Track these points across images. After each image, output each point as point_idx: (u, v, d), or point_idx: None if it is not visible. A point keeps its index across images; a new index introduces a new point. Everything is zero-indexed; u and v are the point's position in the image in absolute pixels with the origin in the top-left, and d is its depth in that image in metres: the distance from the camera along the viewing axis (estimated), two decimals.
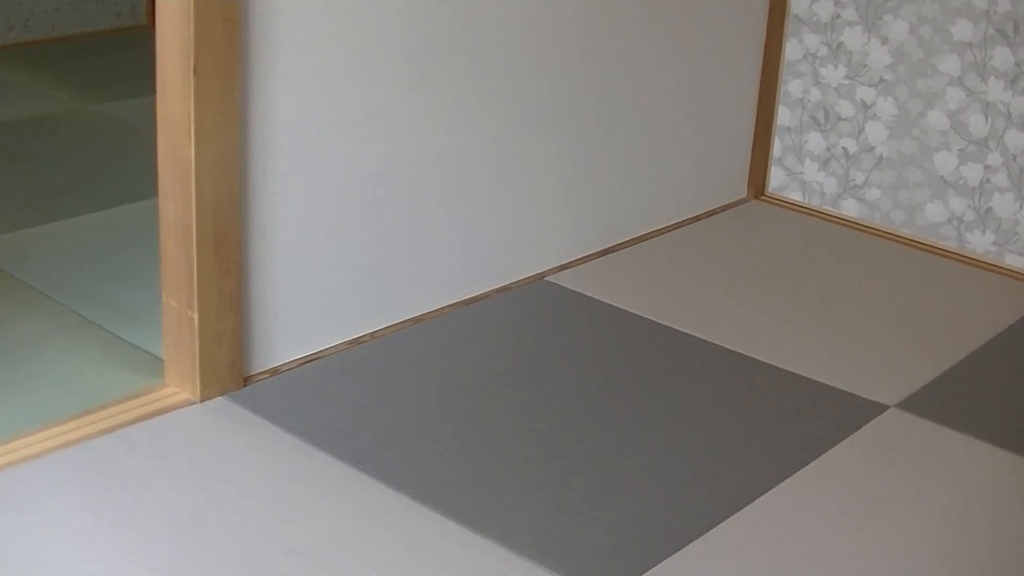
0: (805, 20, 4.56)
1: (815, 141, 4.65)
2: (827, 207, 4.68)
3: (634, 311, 3.84)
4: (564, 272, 4.05)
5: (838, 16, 4.48)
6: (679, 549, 2.77)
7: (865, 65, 4.47)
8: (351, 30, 3.29)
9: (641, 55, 4.13)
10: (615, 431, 3.21)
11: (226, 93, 3.02)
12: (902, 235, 4.50)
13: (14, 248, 4.07)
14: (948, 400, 3.47)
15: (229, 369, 3.22)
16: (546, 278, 4.01)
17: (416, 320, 3.67)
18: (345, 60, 3.30)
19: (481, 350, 3.56)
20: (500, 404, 3.30)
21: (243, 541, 2.69)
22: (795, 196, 4.75)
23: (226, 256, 3.13)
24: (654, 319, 3.81)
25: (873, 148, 4.51)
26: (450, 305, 3.76)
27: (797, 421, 3.32)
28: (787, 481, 3.05)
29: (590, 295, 3.92)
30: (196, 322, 3.13)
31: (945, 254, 4.41)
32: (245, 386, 3.28)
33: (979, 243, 4.36)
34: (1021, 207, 4.24)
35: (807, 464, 3.12)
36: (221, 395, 3.23)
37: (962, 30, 4.23)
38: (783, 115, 4.71)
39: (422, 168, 3.56)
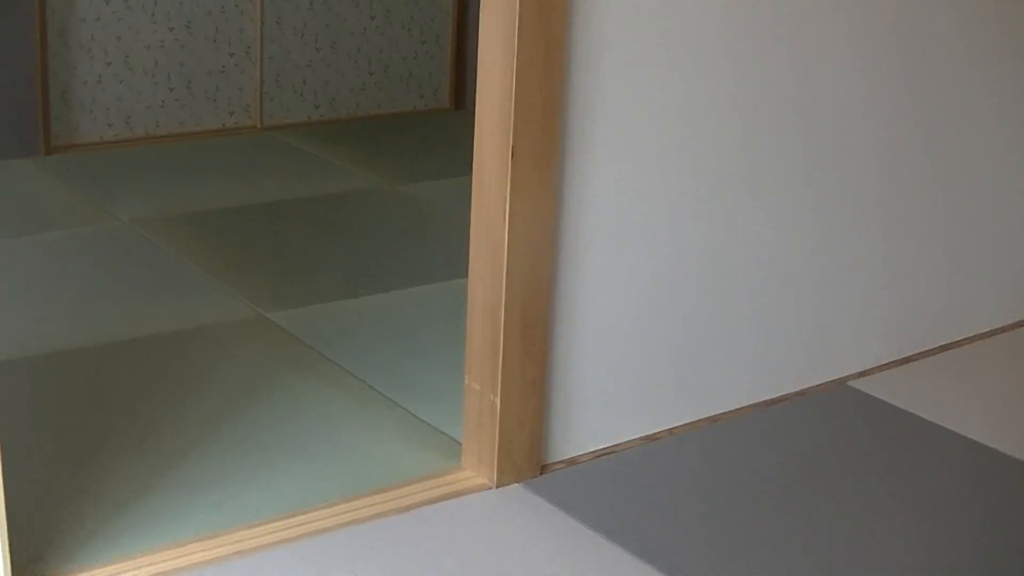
0: None
1: None
2: None
3: (941, 423, 3.69)
4: (867, 378, 3.93)
5: None
6: None
7: None
8: (672, 120, 3.25)
9: (967, 151, 4.01)
10: (915, 550, 3.07)
11: (543, 177, 3.01)
12: None
13: (316, 321, 4.13)
14: None
15: (527, 456, 3.19)
16: (848, 383, 3.89)
17: (713, 419, 3.59)
18: (663, 150, 3.26)
19: (777, 455, 3.46)
20: (794, 512, 3.19)
21: None
22: None
23: (532, 342, 3.10)
24: (962, 433, 3.65)
25: None
26: (748, 406, 3.67)
27: None
28: None
29: (894, 403, 3.78)
30: (498, 407, 3.10)
31: None
32: (541, 474, 3.24)
33: None
34: None
35: None
36: (517, 482, 3.19)
37: None
38: None
39: (730, 263, 3.50)
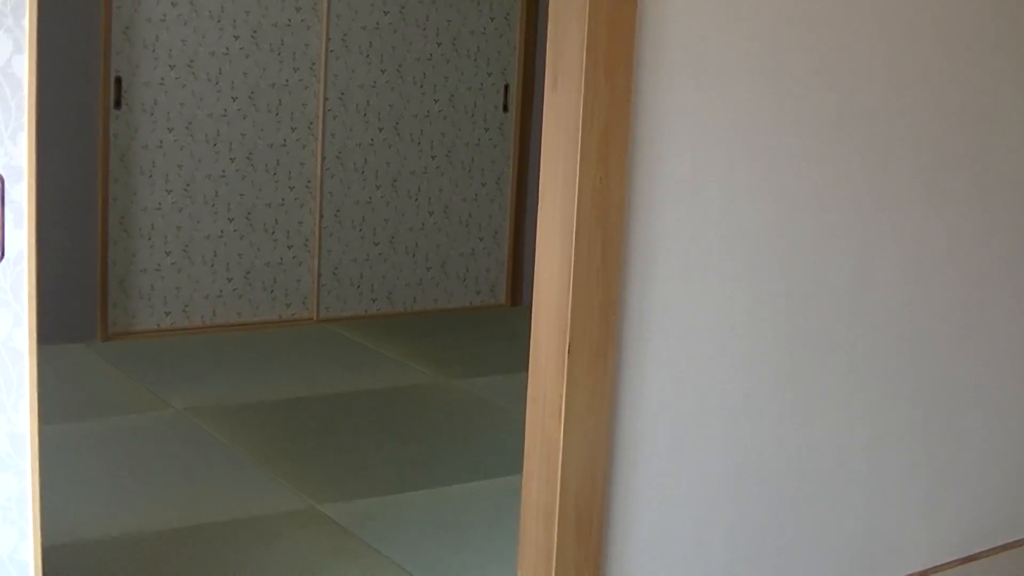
0: None
1: None
2: None
3: None
4: None
5: None
6: None
7: None
8: (727, 319, 3.26)
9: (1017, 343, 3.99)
10: None
11: (599, 375, 3.00)
12: None
13: (368, 514, 4.11)
14: None
15: None
16: None
17: None
18: (719, 349, 3.26)
19: None
20: None
21: None
22: None
23: (587, 541, 3.07)
24: None
25: None
26: None
27: None
28: None
29: None
30: None
31: None
32: None
33: None
34: None
35: None
36: None
37: None
38: None
39: (786, 464, 3.47)
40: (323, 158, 6.39)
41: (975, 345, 3.87)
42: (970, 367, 3.88)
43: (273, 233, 6.32)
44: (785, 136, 3.30)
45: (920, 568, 3.88)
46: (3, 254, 2.23)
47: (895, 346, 3.66)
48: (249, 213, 6.23)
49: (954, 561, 3.97)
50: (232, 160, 6.16)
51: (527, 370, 3.08)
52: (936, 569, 3.92)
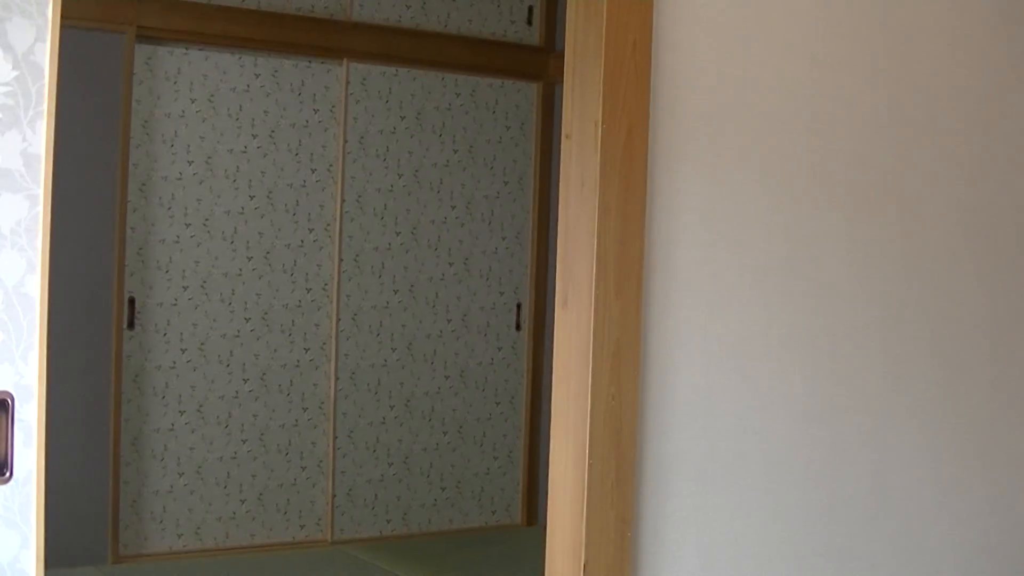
0: None
1: None
2: None
3: None
4: None
5: None
6: None
7: None
8: (741, 540, 3.22)
9: None
10: None
11: None
12: None
13: None
14: None
15: None
16: None
17: None
18: (734, 569, 3.21)
19: None
20: None
21: None
22: None
23: None
24: None
25: None
26: None
27: None
28: None
29: None
30: None
31: None
32: None
33: None
34: None
35: None
36: None
37: None
38: None
39: None
40: (336, 379, 6.39)
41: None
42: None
43: (287, 454, 6.29)
44: (798, 348, 3.30)
45: None
46: (11, 474, 2.21)
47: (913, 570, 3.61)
48: (262, 435, 6.21)
49: None
50: (245, 381, 6.16)
51: None
52: None
